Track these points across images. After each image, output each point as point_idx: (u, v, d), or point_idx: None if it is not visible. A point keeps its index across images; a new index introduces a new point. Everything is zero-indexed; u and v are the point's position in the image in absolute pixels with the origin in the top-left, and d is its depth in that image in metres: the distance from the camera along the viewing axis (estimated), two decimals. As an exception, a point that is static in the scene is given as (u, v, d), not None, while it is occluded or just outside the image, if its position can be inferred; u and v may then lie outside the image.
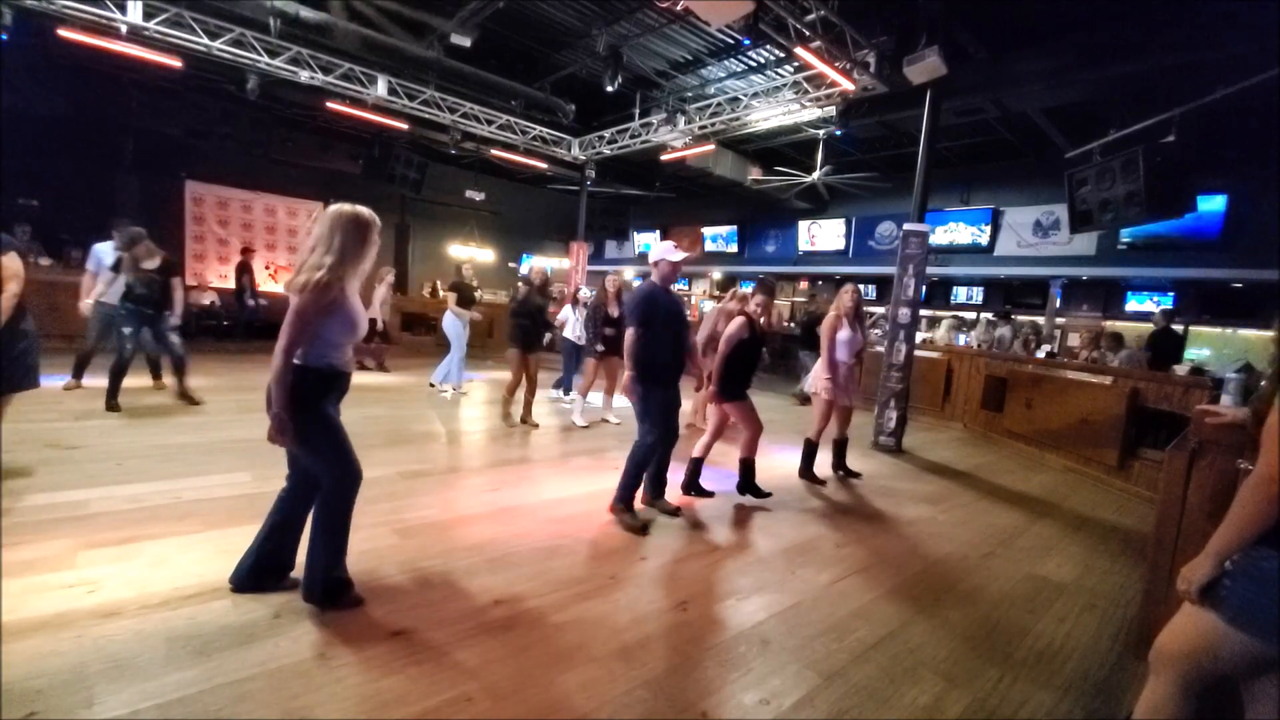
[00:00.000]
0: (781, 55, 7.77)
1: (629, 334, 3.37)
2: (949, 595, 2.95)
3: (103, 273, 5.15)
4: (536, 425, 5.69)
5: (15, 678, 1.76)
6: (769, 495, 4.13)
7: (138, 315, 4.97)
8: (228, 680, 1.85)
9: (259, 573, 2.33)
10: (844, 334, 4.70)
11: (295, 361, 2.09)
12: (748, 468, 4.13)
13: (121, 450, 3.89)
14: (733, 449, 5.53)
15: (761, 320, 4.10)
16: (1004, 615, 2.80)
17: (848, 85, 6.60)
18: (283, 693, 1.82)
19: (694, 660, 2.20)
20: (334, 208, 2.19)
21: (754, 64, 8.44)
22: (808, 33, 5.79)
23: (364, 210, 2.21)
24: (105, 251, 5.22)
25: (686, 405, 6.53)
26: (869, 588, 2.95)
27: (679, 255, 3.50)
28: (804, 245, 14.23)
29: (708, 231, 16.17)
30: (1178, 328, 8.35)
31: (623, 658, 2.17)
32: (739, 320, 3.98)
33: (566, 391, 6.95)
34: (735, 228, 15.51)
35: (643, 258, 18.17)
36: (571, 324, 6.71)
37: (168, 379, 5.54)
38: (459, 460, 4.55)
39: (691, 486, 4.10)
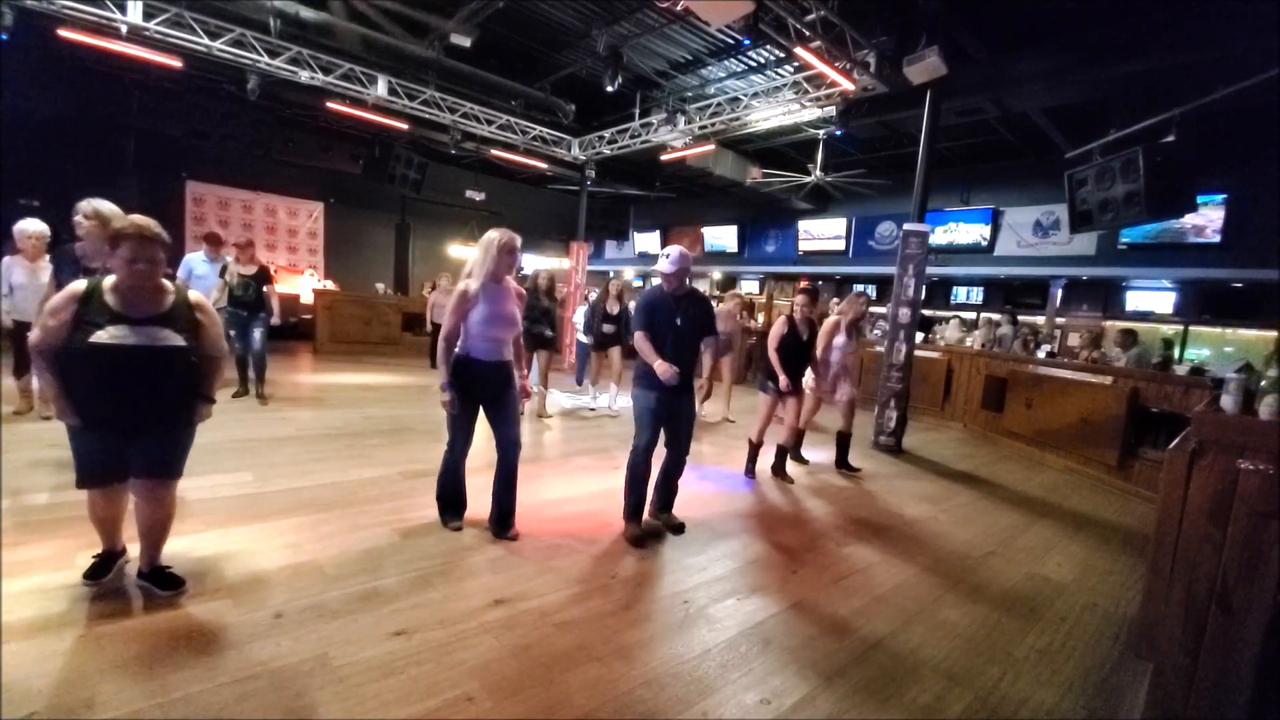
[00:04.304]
0: (781, 55, 7.76)
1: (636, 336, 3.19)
2: (950, 594, 2.95)
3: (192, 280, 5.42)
4: (550, 416, 6.18)
5: (15, 678, 1.77)
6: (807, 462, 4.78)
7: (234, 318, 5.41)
8: (230, 679, 1.85)
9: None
10: (840, 339, 4.94)
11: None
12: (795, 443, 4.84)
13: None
14: (733, 447, 5.55)
15: (799, 319, 4.49)
16: (1005, 614, 2.80)
17: (848, 85, 6.59)
18: (285, 692, 1.82)
19: (695, 659, 2.20)
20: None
21: (754, 64, 8.43)
22: (808, 33, 5.78)
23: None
24: (195, 261, 5.57)
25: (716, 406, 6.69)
26: (870, 587, 2.95)
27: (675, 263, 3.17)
28: (804, 245, 14.22)
29: (708, 231, 16.15)
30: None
31: (623, 657, 2.17)
32: (781, 319, 4.53)
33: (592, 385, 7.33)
34: (735, 228, 15.50)
35: (643, 257, 18.18)
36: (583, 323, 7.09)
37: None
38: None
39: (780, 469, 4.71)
